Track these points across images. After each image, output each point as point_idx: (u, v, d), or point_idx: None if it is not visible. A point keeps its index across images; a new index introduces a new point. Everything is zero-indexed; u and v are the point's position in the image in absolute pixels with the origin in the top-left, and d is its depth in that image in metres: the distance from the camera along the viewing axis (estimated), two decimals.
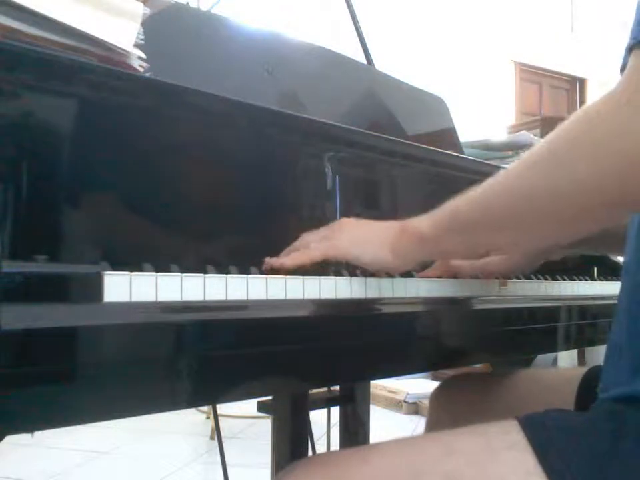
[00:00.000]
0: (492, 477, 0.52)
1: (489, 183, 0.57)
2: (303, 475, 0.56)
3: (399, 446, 0.58)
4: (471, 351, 0.76)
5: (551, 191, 0.51)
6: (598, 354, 0.68)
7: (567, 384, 0.81)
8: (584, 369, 0.84)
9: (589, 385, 0.78)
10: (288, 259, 0.60)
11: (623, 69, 0.50)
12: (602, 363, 0.66)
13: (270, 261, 0.59)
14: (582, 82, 6.54)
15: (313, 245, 0.62)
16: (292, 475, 0.57)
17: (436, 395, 1.00)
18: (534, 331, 0.81)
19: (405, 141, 0.83)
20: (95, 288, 0.43)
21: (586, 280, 1.00)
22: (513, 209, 0.56)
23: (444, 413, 0.95)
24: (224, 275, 0.51)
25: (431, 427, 0.97)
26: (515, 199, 0.55)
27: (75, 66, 0.51)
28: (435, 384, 1.09)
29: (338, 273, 0.62)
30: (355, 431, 1.09)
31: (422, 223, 0.62)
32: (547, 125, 4.53)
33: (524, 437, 0.53)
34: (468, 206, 0.60)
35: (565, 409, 0.60)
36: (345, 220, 0.67)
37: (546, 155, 0.52)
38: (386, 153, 0.79)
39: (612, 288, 0.96)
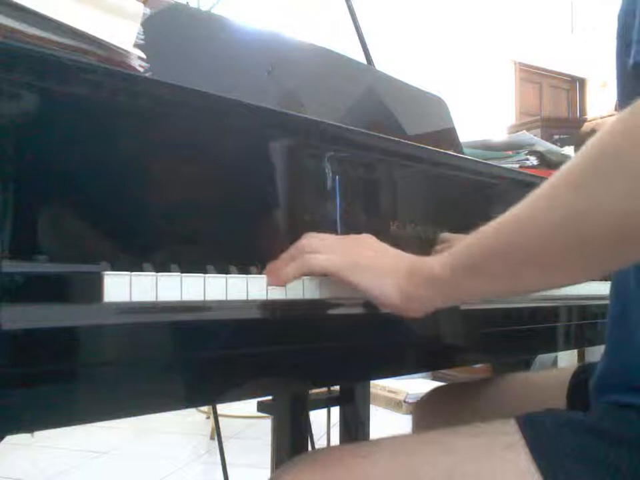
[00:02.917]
0: (488, 476, 0.52)
1: (512, 211, 0.48)
2: (301, 470, 0.57)
3: (398, 443, 0.58)
4: (471, 351, 0.76)
5: (582, 217, 0.44)
6: (598, 354, 0.68)
7: (559, 384, 0.81)
8: (573, 368, 0.84)
9: (579, 382, 0.78)
10: (288, 271, 0.55)
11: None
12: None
13: (271, 278, 0.55)
14: (582, 82, 6.54)
15: (319, 255, 0.56)
16: (292, 469, 0.57)
17: (421, 408, 0.99)
18: (534, 331, 0.81)
19: (405, 141, 0.83)
20: (95, 288, 0.43)
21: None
22: (536, 240, 0.47)
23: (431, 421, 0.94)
24: (224, 275, 0.51)
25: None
26: (540, 228, 0.46)
27: (74, 66, 0.51)
28: (435, 384, 1.09)
29: None
30: (354, 431, 1.09)
31: (437, 261, 0.54)
32: (547, 125, 4.54)
33: (522, 437, 0.53)
34: (488, 241, 0.50)
35: (564, 409, 0.61)
36: (363, 239, 0.60)
37: (578, 177, 0.45)
38: (386, 153, 0.79)
39: None
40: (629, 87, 0.54)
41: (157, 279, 0.46)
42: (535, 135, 1.39)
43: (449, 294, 0.54)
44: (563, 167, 0.46)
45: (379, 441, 0.59)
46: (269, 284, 0.54)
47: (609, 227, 0.42)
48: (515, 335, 0.78)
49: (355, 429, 1.09)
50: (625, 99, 0.44)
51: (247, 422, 2.91)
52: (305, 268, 0.55)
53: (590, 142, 0.44)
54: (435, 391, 0.99)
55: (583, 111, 6.49)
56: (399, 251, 0.59)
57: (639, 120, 0.41)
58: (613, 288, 0.64)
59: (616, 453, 0.51)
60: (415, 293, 0.54)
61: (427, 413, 0.96)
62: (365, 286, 0.55)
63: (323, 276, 0.58)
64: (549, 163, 1.30)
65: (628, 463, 0.50)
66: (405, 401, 3.27)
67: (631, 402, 0.56)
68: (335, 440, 1.19)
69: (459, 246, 0.53)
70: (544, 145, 1.33)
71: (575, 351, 2.84)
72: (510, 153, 1.31)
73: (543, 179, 0.48)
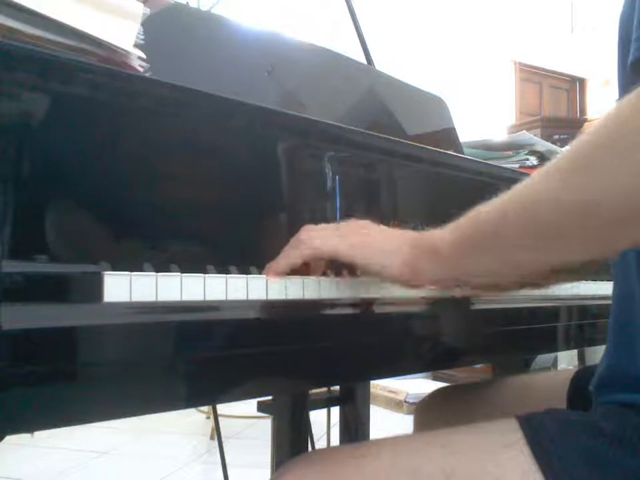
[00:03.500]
0: (489, 475, 0.52)
1: (511, 192, 0.49)
2: (303, 469, 0.57)
3: (398, 442, 0.58)
4: (471, 351, 0.76)
5: (580, 200, 0.44)
6: (598, 354, 0.68)
7: (558, 386, 0.81)
8: (573, 370, 0.84)
9: (580, 385, 0.78)
10: (289, 258, 0.55)
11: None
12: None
13: (270, 271, 0.55)
14: (582, 82, 6.54)
15: (318, 240, 0.57)
16: (292, 469, 0.57)
17: (422, 409, 0.99)
18: (534, 331, 0.81)
19: (405, 141, 0.83)
20: (95, 288, 0.43)
21: (585, 280, 1.00)
22: (534, 222, 0.47)
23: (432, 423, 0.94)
24: (224, 275, 0.51)
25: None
26: (537, 210, 0.46)
27: (74, 66, 0.51)
28: (435, 384, 1.09)
29: (338, 273, 0.62)
30: (354, 431, 1.09)
31: (437, 235, 0.54)
32: (547, 125, 4.54)
33: (523, 436, 0.53)
34: (487, 220, 0.51)
35: (565, 409, 0.61)
36: (361, 222, 0.60)
37: (576, 160, 0.45)
38: (386, 153, 0.79)
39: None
40: (629, 83, 0.54)
41: (157, 279, 0.46)
42: (534, 135, 1.39)
43: (450, 268, 0.54)
44: (566, 150, 0.46)
45: (380, 441, 0.59)
46: (270, 274, 0.54)
47: (619, 203, 0.42)
48: (515, 335, 0.78)
49: (355, 429, 1.09)
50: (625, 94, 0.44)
51: (247, 422, 2.91)
52: (306, 252, 0.56)
53: (599, 124, 0.44)
54: (436, 392, 0.99)
55: (582, 111, 6.50)
56: (399, 229, 0.60)
57: None
58: (616, 290, 0.64)
59: (617, 453, 0.51)
60: (418, 266, 0.55)
61: (428, 415, 0.96)
62: (368, 262, 0.56)
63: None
64: None
65: (629, 463, 0.50)
66: (405, 401, 3.27)
67: (631, 402, 0.56)
68: (335, 440, 1.19)
69: (458, 222, 0.53)
70: (544, 145, 1.33)
71: (575, 351, 2.84)
72: (510, 152, 1.31)
73: None
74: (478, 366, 2.44)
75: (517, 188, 0.49)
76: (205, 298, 0.49)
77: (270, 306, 0.53)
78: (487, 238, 0.51)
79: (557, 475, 0.50)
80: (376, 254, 0.56)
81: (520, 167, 1.26)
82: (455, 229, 0.53)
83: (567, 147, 0.47)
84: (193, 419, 3.03)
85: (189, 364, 0.46)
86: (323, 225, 0.61)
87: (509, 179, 0.99)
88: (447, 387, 1.03)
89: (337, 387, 1.09)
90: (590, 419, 0.57)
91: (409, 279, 0.56)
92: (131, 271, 0.45)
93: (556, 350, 1.11)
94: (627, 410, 0.55)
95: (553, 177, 0.47)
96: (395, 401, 3.33)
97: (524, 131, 1.49)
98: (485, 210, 0.51)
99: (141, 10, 0.59)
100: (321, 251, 0.57)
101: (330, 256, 0.57)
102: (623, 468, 0.50)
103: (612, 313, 0.65)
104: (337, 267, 0.62)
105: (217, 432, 1.60)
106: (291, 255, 0.56)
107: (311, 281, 0.57)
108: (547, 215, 0.46)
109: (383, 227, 0.60)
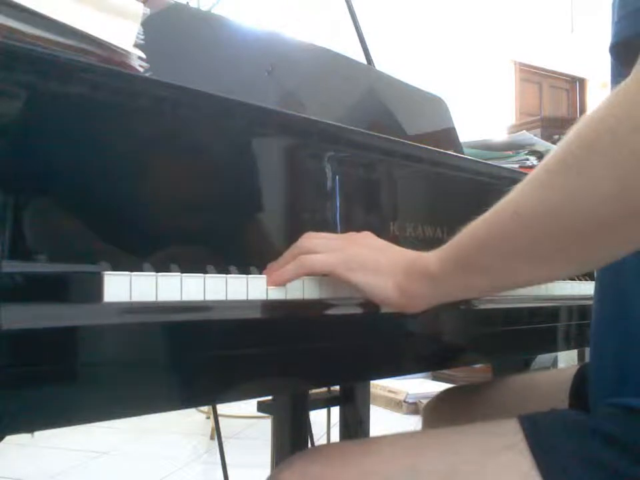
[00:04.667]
0: (488, 476, 0.52)
1: (500, 203, 0.49)
2: (302, 465, 0.57)
3: (399, 441, 0.58)
4: (471, 351, 0.76)
5: (568, 206, 0.44)
6: None
7: (561, 384, 0.81)
8: (575, 368, 0.84)
9: (581, 383, 0.78)
10: (287, 272, 0.56)
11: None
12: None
13: (271, 277, 0.55)
14: (582, 82, 6.54)
15: (316, 255, 0.57)
16: (292, 466, 0.57)
17: (429, 410, 0.99)
18: (534, 331, 0.81)
19: (405, 141, 0.83)
20: (94, 288, 0.43)
21: (586, 280, 1.00)
22: (525, 231, 0.47)
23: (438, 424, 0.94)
24: (224, 275, 0.51)
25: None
26: (528, 219, 0.46)
27: (74, 66, 0.51)
28: (435, 384, 1.09)
29: None
30: (354, 431, 1.09)
31: (431, 258, 0.54)
32: (547, 125, 4.54)
33: (523, 437, 0.53)
34: (478, 234, 0.51)
35: (567, 409, 0.60)
36: (362, 235, 0.61)
37: (560, 165, 0.45)
38: (386, 153, 0.79)
39: None
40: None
41: (157, 279, 0.46)
42: (535, 135, 1.39)
43: (444, 290, 0.55)
44: (549, 155, 0.46)
45: (381, 439, 0.59)
46: (268, 284, 0.54)
47: (606, 206, 0.42)
48: (515, 335, 0.78)
49: (354, 429, 1.09)
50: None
51: (247, 422, 2.91)
52: (303, 268, 0.56)
53: (579, 125, 0.44)
54: (443, 393, 0.99)
55: (582, 111, 6.49)
56: (397, 247, 0.60)
57: (632, 97, 0.41)
58: (600, 288, 0.64)
59: (617, 456, 0.50)
60: (412, 289, 0.55)
61: (436, 415, 0.96)
62: (362, 283, 0.56)
63: (323, 275, 0.58)
64: None
65: (629, 466, 0.49)
66: (405, 401, 3.26)
67: (633, 405, 0.55)
68: (335, 440, 1.19)
69: (450, 242, 0.53)
70: (544, 145, 1.33)
71: (575, 351, 2.84)
72: (510, 152, 1.31)
73: None
74: (478, 366, 2.44)
75: (506, 199, 0.48)
76: (204, 298, 0.49)
77: (270, 306, 0.53)
78: (482, 251, 0.51)
79: (556, 476, 0.50)
80: (372, 277, 0.56)
81: (520, 167, 1.26)
82: (449, 247, 0.53)
83: (554, 150, 0.46)
84: (193, 419, 3.03)
85: (189, 364, 0.46)
86: (322, 234, 0.61)
87: (509, 179, 0.99)
88: (454, 387, 1.03)
89: (337, 387, 1.09)
90: (591, 420, 0.57)
91: (399, 303, 0.56)
92: (131, 270, 0.45)
93: (556, 350, 1.11)
94: (628, 413, 0.55)
95: (540, 180, 0.46)
96: (394, 401, 3.33)
97: (524, 131, 1.49)
98: (477, 224, 0.51)
99: (140, 10, 0.59)
100: (320, 269, 0.57)
101: (329, 274, 0.57)
102: (624, 471, 0.50)
103: (599, 315, 0.64)
104: None
105: (217, 432, 1.60)
106: (291, 268, 0.56)
107: (310, 281, 0.57)
108: (538, 220, 0.45)
109: (381, 243, 0.60)
